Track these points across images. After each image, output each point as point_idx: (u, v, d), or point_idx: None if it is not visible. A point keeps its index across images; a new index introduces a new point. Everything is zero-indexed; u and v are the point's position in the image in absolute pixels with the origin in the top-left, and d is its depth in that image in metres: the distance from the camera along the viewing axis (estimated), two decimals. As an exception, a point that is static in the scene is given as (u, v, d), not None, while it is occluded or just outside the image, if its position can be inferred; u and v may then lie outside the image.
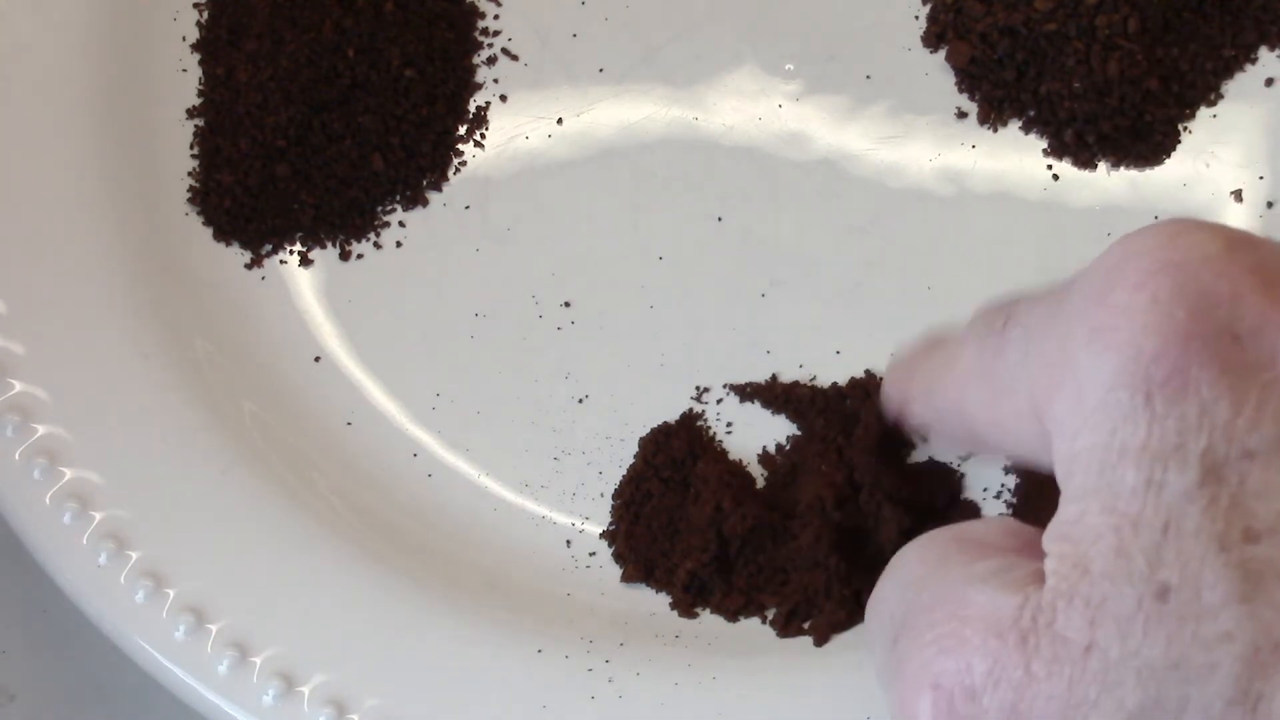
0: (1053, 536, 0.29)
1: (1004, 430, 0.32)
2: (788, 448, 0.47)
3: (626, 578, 0.47)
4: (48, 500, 0.46)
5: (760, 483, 0.47)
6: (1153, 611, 0.27)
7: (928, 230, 0.50)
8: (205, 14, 0.53)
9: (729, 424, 0.48)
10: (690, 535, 0.46)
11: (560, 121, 0.52)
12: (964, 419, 0.34)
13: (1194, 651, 0.26)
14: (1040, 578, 0.29)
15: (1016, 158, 0.50)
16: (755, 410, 0.48)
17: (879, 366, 0.48)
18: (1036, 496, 0.44)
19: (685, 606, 0.46)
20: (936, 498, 0.45)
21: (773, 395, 0.48)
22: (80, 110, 0.51)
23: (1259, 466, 0.26)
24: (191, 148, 0.52)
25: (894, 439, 0.45)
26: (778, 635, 0.45)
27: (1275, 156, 0.50)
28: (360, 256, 0.51)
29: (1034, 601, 0.29)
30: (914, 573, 0.33)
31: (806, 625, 0.44)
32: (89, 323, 0.48)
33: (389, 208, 0.51)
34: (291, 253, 0.51)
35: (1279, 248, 0.29)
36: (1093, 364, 0.28)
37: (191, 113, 0.52)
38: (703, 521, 0.45)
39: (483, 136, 0.52)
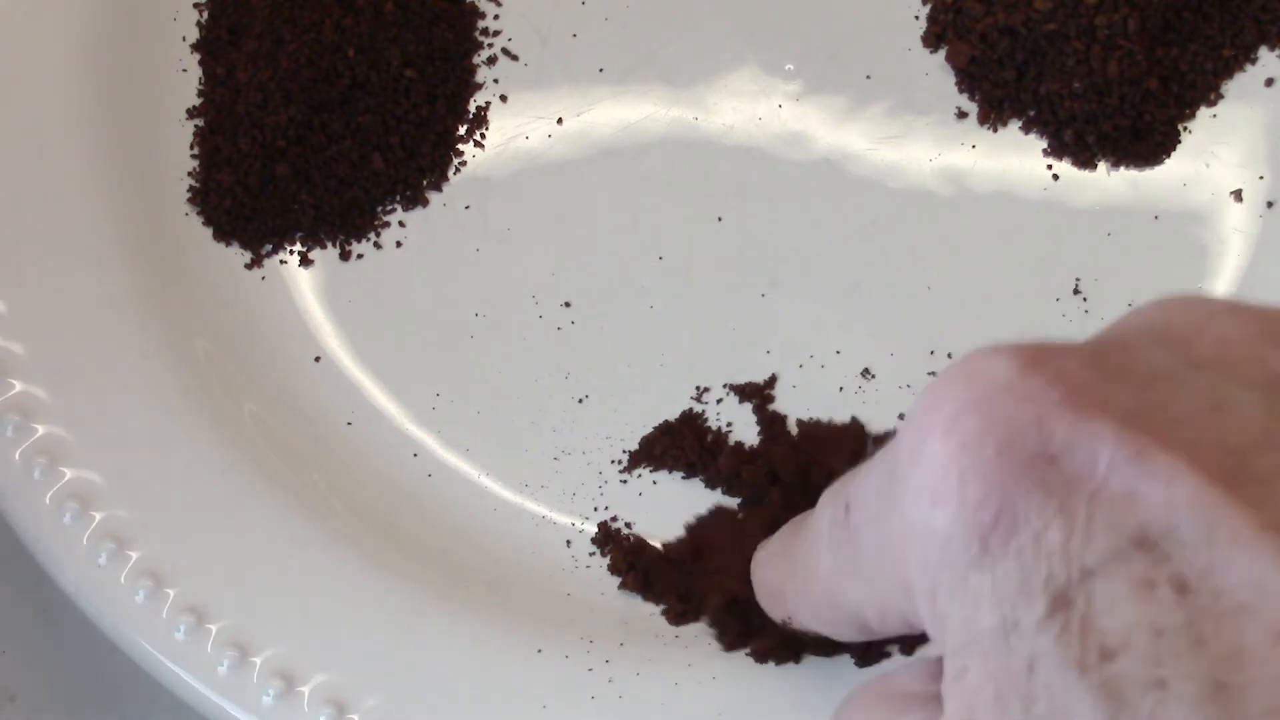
0: (946, 694, 0.29)
1: (896, 615, 0.32)
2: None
3: (625, 586, 0.47)
4: (48, 500, 0.46)
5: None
6: None
7: (928, 230, 0.50)
8: (205, 14, 0.53)
9: (729, 423, 0.48)
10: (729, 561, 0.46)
11: (560, 121, 0.52)
12: (856, 620, 0.34)
13: None
14: None
15: (1016, 158, 0.50)
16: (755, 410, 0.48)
17: (879, 366, 0.48)
18: None
19: (675, 617, 0.46)
20: None
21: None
22: (80, 110, 0.51)
23: (1101, 582, 0.26)
24: (191, 148, 0.52)
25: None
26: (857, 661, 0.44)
27: (1275, 156, 0.50)
28: (360, 256, 0.51)
29: None
30: None
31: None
32: (89, 323, 0.48)
33: (389, 208, 0.51)
34: (291, 253, 0.51)
35: (1082, 350, 0.29)
36: (925, 525, 0.28)
37: (191, 113, 0.52)
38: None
39: (483, 136, 0.52)
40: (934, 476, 0.28)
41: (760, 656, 0.44)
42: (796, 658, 0.44)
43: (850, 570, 0.32)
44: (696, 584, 0.46)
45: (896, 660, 0.44)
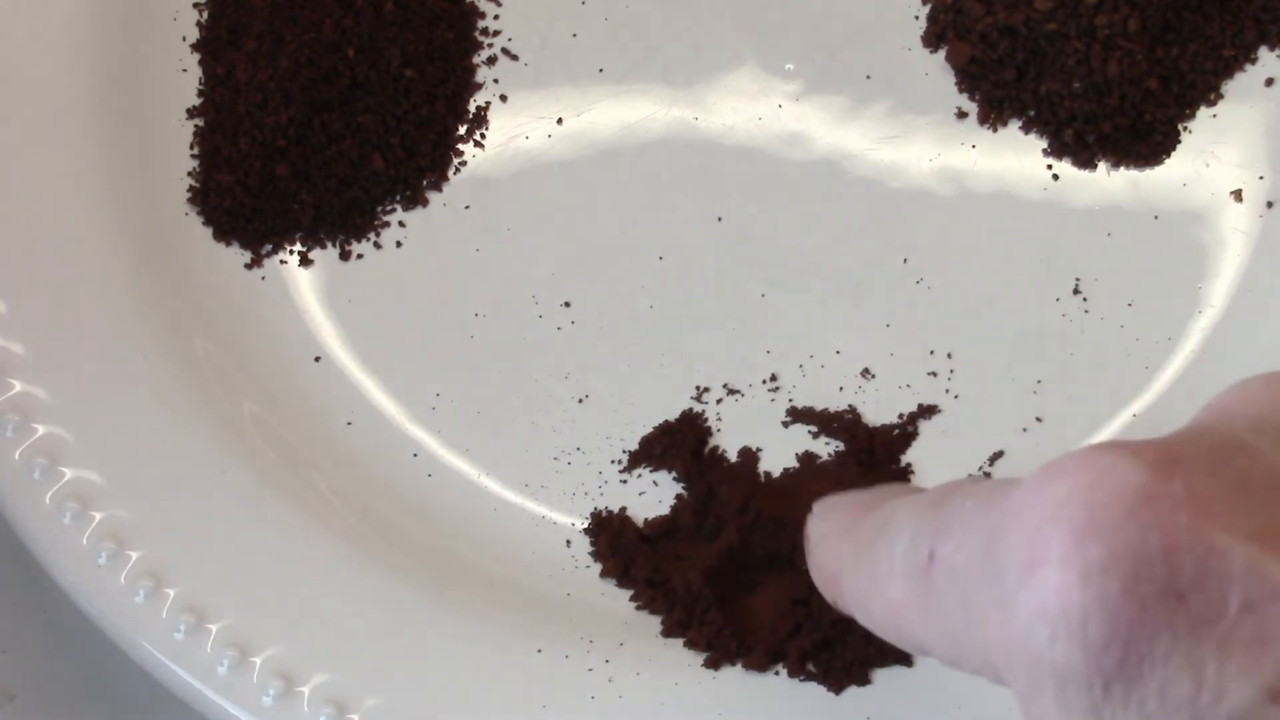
0: None
1: (968, 666, 0.30)
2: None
3: (605, 573, 0.47)
4: (48, 500, 0.46)
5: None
6: None
7: (928, 230, 0.50)
8: (205, 14, 0.53)
9: (729, 424, 0.48)
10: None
11: (560, 121, 0.52)
12: (917, 648, 0.32)
13: None
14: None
15: (1016, 158, 0.50)
16: (754, 411, 0.48)
17: (879, 366, 0.48)
18: None
19: (648, 601, 0.46)
20: None
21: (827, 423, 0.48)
22: (80, 110, 0.51)
23: None
24: (191, 148, 0.52)
25: None
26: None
27: (1275, 156, 0.50)
28: (360, 256, 0.51)
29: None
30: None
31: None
32: (89, 323, 0.48)
33: (389, 208, 0.51)
34: (291, 253, 0.51)
35: (1202, 452, 0.27)
36: (1041, 655, 0.26)
37: (191, 113, 0.52)
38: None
39: (483, 136, 0.52)
40: (1052, 605, 0.26)
41: (692, 646, 0.45)
42: (732, 659, 0.44)
43: (924, 617, 0.31)
44: (665, 568, 0.46)
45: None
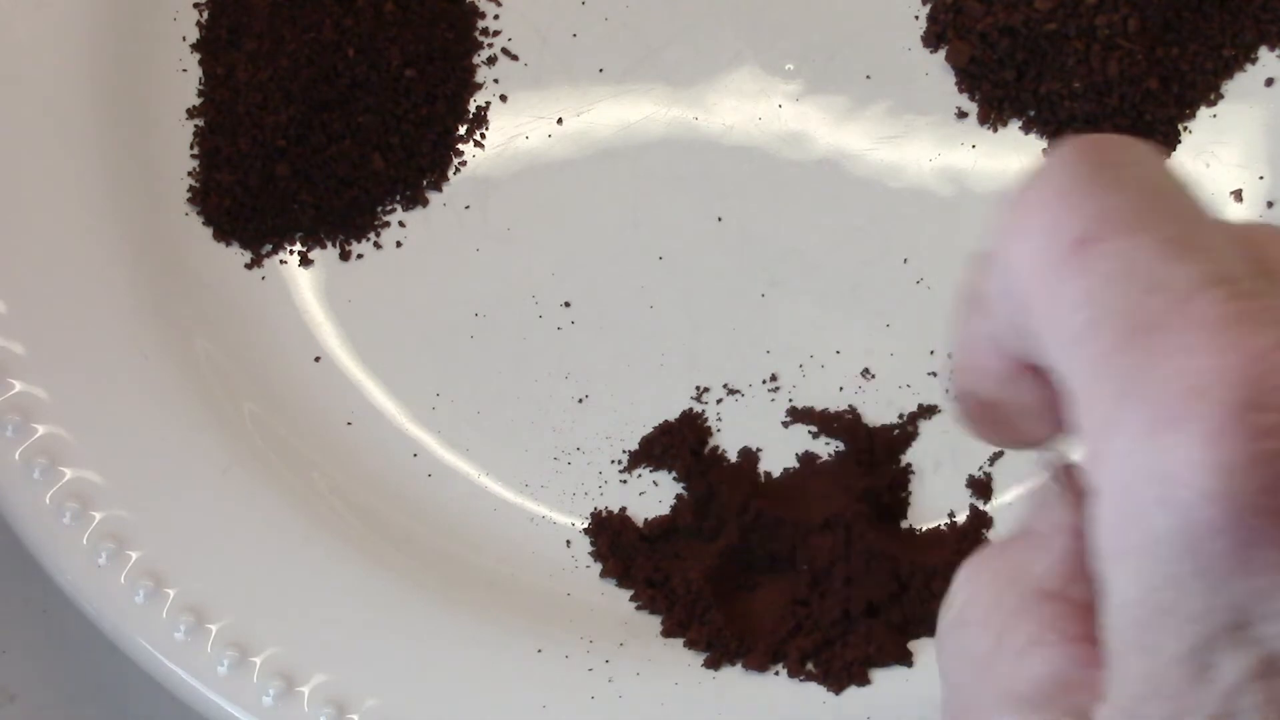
0: (1111, 670, 0.25)
1: (1025, 353, 0.26)
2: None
3: (606, 573, 0.47)
4: (48, 500, 0.46)
5: None
6: None
7: (928, 230, 0.50)
8: (205, 14, 0.53)
9: (729, 424, 0.48)
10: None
11: (560, 121, 0.52)
12: (1025, 327, 0.27)
13: None
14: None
15: (1016, 158, 0.50)
16: (754, 411, 0.48)
17: (879, 366, 0.48)
18: None
19: (648, 601, 0.46)
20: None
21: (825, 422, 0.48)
22: (80, 110, 0.51)
23: None
24: (191, 148, 0.52)
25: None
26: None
27: (1275, 156, 0.50)
28: (360, 256, 0.51)
29: None
30: (957, 651, 0.28)
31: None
32: (89, 323, 0.48)
33: (389, 208, 0.51)
34: (291, 253, 0.51)
35: None
36: (1140, 508, 0.24)
37: (191, 113, 0.52)
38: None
39: (483, 136, 0.52)
40: (1174, 475, 0.24)
41: (692, 646, 0.45)
42: (732, 660, 0.44)
43: (1043, 294, 0.26)
44: (665, 568, 0.46)
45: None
